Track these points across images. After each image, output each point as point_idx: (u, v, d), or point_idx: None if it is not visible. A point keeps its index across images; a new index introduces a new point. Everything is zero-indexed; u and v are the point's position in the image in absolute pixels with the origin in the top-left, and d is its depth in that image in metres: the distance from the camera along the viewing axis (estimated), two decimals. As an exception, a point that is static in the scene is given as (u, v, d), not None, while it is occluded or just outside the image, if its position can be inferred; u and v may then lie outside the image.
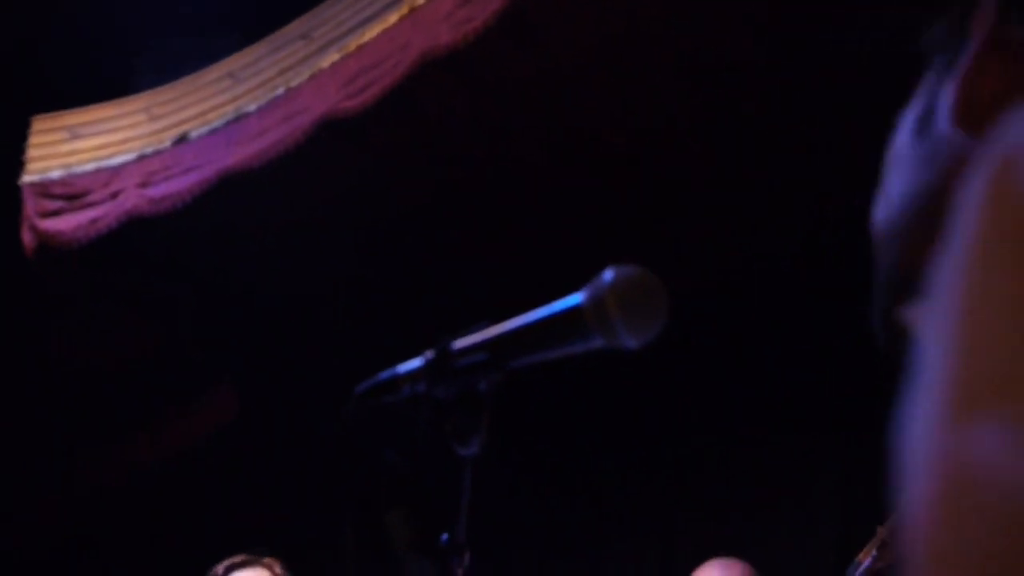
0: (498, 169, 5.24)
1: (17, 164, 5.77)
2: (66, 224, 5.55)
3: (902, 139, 1.01)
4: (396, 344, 1.74)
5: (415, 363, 1.38)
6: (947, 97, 0.94)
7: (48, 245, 5.55)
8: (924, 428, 0.59)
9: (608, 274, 1.29)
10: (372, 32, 5.01)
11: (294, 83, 5.21)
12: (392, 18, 4.95)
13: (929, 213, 0.94)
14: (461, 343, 1.36)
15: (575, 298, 1.30)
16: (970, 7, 0.97)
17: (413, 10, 4.88)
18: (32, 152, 5.82)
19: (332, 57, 5.12)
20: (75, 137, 5.85)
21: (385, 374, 1.40)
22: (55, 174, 5.71)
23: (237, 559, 3.82)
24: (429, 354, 1.37)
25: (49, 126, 5.92)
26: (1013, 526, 0.53)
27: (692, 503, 5.73)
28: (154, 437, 6.84)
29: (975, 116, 0.91)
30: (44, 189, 5.67)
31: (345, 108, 4.92)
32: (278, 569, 3.84)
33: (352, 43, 5.07)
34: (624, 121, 5.01)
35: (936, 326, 0.61)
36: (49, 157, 5.80)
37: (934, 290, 0.63)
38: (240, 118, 5.33)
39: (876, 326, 1.01)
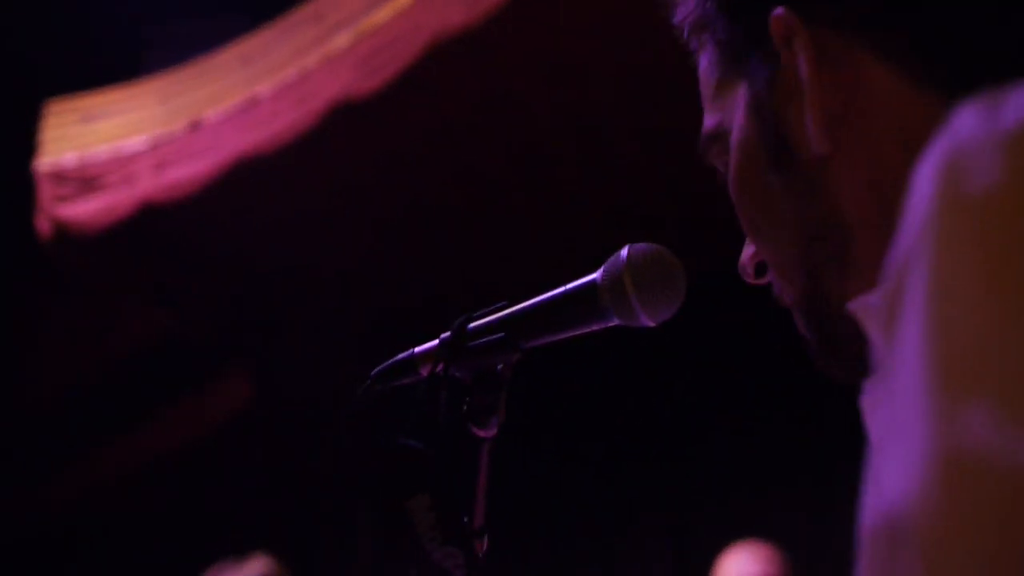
0: (515, 150, 5.23)
1: (30, 149, 5.78)
2: (81, 210, 5.55)
3: (750, 165, 1.04)
4: (411, 328, 1.73)
5: (432, 343, 1.38)
6: (796, 125, 0.98)
7: (63, 232, 5.56)
8: (908, 421, 0.59)
9: (624, 251, 1.28)
10: (385, 13, 4.99)
11: (307, 66, 5.20)
12: (404, -1, 4.94)
13: (835, 243, 0.98)
14: (477, 322, 1.35)
15: (591, 276, 1.30)
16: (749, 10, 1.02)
17: (425, -10, 4.87)
18: (45, 137, 5.82)
19: (345, 39, 5.11)
20: (88, 121, 5.85)
21: (401, 355, 1.40)
22: (69, 159, 5.71)
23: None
24: (445, 334, 1.36)
25: (62, 110, 5.92)
26: (1013, 509, 0.54)
27: (711, 484, 5.72)
28: (167, 424, 6.86)
29: (836, 134, 0.96)
30: (58, 174, 5.67)
31: (359, 90, 4.91)
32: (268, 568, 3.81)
33: (365, 24, 5.06)
34: (639, 104, 4.99)
35: (906, 325, 0.62)
36: (63, 140, 5.81)
37: (892, 279, 0.64)
38: (253, 101, 5.32)
39: (829, 363, 1.06)
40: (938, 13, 0.92)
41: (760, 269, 1.12)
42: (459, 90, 4.98)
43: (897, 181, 0.83)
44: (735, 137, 1.06)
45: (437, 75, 4.86)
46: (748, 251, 1.12)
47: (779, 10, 0.98)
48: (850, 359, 1.01)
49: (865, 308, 0.91)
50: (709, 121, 1.10)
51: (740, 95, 1.05)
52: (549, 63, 4.87)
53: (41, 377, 6.84)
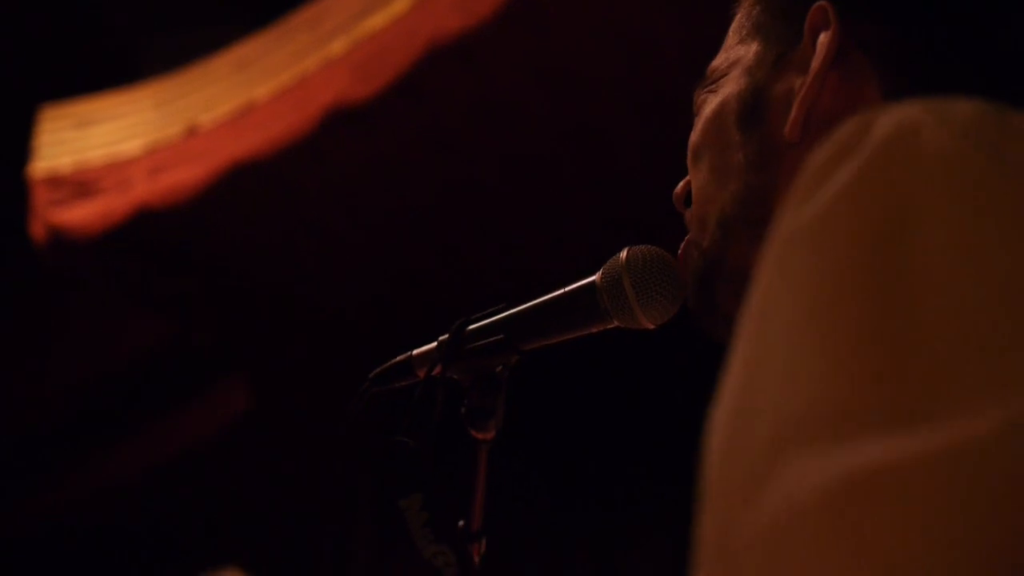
0: (510, 156, 5.23)
1: (24, 154, 5.77)
2: (76, 215, 5.55)
3: (722, 111, 1.09)
4: (409, 333, 1.73)
5: (429, 346, 1.37)
6: (779, 101, 1.03)
7: (58, 237, 5.55)
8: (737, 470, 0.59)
9: (623, 253, 1.28)
10: (380, 19, 4.99)
11: (303, 71, 5.20)
12: (400, 5, 4.94)
13: (759, 215, 1.02)
14: (475, 325, 1.35)
15: (591, 278, 1.29)
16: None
17: (421, -4, 4.87)
18: (40, 142, 5.82)
19: (341, 44, 5.11)
20: (83, 126, 5.84)
21: (399, 357, 1.39)
22: (64, 165, 5.71)
23: None
24: (443, 336, 1.35)
25: (57, 115, 5.92)
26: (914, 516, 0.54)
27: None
28: (165, 432, 6.85)
29: (809, 131, 0.99)
30: (54, 179, 5.67)
31: (354, 95, 4.91)
32: None
33: (360, 30, 5.06)
34: (636, 109, 4.99)
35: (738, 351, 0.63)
36: (57, 145, 5.80)
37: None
38: (249, 106, 5.32)
39: (696, 312, 1.12)
40: (954, 70, 0.95)
41: (690, 200, 1.16)
42: (455, 96, 4.98)
43: None
44: (725, 87, 1.11)
45: (433, 81, 4.86)
46: (684, 182, 1.18)
47: (822, 3, 1.02)
48: (719, 317, 1.07)
49: None
50: (714, 61, 1.15)
51: (751, 51, 1.10)
52: (545, 70, 4.87)
53: (40, 385, 6.83)
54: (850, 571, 0.53)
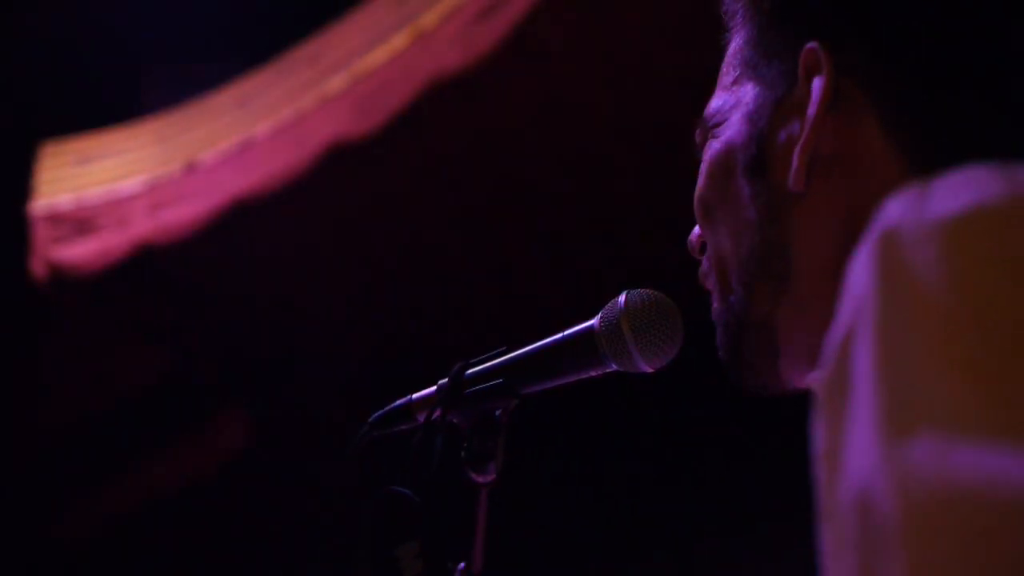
0: (509, 191, 5.24)
1: (25, 191, 5.78)
2: (76, 251, 5.55)
3: (728, 162, 1.08)
4: (409, 370, 1.73)
5: (429, 390, 1.37)
6: (782, 149, 1.02)
7: (58, 273, 5.56)
8: (859, 449, 0.63)
9: (622, 298, 1.28)
10: (380, 55, 5.01)
11: (303, 108, 5.21)
12: (399, 41, 4.96)
13: (778, 269, 1.02)
14: (475, 369, 1.35)
15: (589, 322, 1.29)
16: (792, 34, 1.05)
17: (420, 33, 4.89)
18: (40, 179, 5.83)
19: (340, 81, 5.13)
20: (83, 163, 5.86)
21: (399, 401, 1.39)
22: (64, 201, 5.72)
23: None
24: (443, 381, 1.36)
25: (58, 152, 5.93)
26: (972, 533, 0.57)
27: (712, 525, 5.70)
28: (164, 464, 6.84)
29: (813, 178, 0.99)
30: (53, 216, 5.67)
31: (354, 132, 4.93)
32: None
33: (360, 67, 5.08)
34: (634, 141, 5.00)
35: (857, 389, 0.66)
36: (58, 182, 5.82)
37: (835, 356, 0.69)
38: (249, 143, 5.33)
39: (726, 363, 1.10)
40: (950, 99, 0.95)
41: (704, 247, 1.15)
42: (453, 132, 4.99)
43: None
44: (726, 132, 1.09)
45: (432, 117, 4.88)
46: (697, 230, 1.17)
47: (813, 44, 1.01)
48: (747, 368, 1.07)
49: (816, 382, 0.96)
50: (712, 102, 1.14)
51: (747, 94, 1.08)
52: (543, 103, 4.88)
53: (38, 419, 6.82)
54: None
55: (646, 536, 5.82)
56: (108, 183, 5.73)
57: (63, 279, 5.59)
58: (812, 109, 0.99)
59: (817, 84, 1.00)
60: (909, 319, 0.64)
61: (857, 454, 0.63)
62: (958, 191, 0.67)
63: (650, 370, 1.27)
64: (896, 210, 0.69)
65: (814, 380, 0.99)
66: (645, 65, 4.66)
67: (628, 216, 5.31)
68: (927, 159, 0.93)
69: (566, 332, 1.31)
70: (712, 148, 1.11)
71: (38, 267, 5.62)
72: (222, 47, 6.07)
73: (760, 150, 1.04)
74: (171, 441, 6.82)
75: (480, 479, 1.30)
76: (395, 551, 1.26)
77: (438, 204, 5.29)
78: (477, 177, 5.19)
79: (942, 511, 0.58)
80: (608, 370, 1.30)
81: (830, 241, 0.97)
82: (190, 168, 5.51)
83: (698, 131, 1.15)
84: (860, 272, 0.68)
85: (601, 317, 1.28)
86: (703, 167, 1.11)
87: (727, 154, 1.08)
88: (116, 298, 5.84)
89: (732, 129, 1.09)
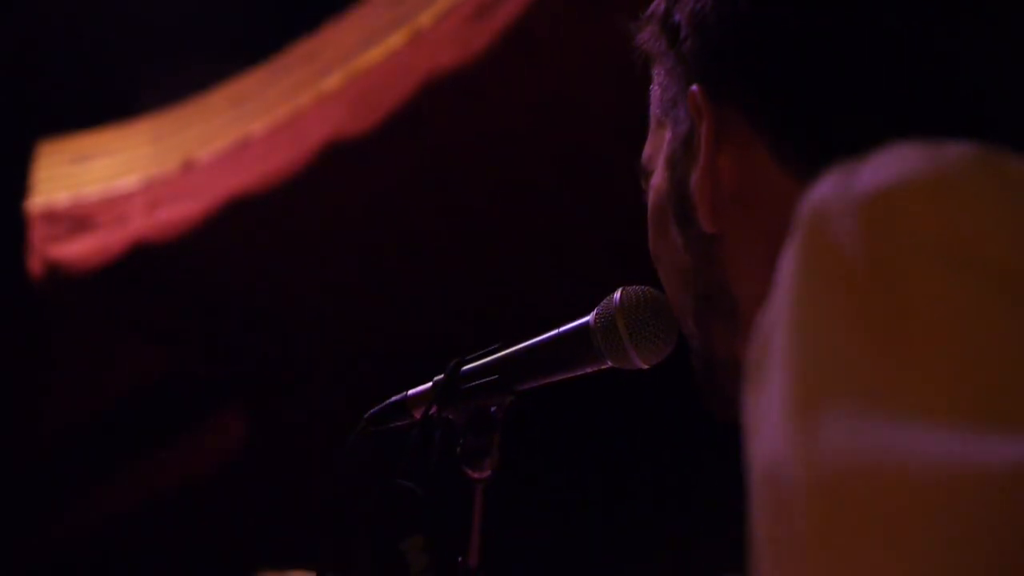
0: (508, 190, 5.24)
1: (22, 189, 5.79)
2: (73, 250, 5.55)
3: (661, 211, 1.10)
4: (408, 367, 1.74)
5: (425, 386, 1.38)
6: (694, 190, 1.03)
7: (55, 272, 5.56)
8: (771, 427, 0.63)
9: (617, 294, 1.29)
10: (376, 53, 5.02)
11: (300, 106, 5.21)
12: (396, 40, 4.96)
13: (727, 306, 1.03)
14: (470, 365, 1.35)
15: (585, 319, 1.30)
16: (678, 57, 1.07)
17: (417, 32, 4.89)
18: (37, 177, 5.83)
19: (337, 79, 5.13)
20: (80, 161, 5.86)
21: (395, 398, 1.40)
22: (61, 199, 5.72)
23: None
24: (439, 377, 1.36)
25: (54, 150, 5.94)
26: (874, 512, 0.57)
27: (711, 525, 5.70)
28: (162, 463, 6.84)
29: (724, 217, 1.00)
30: (50, 214, 5.68)
31: (351, 130, 4.93)
32: None
33: (356, 65, 5.08)
34: (633, 140, 5.00)
35: (770, 359, 0.66)
36: (55, 180, 5.82)
37: (760, 339, 0.69)
38: (246, 141, 5.34)
39: (703, 394, 1.12)
40: (826, 119, 0.95)
41: None
42: (451, 130, 4.99)
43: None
44: (654, 180, 1.11)
45: (429, 115, 4.88)
46: None
47: (694, 87, 1.01)
48: (724, 399, 1.07)
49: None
50: (645, 148, 1.16)
51: (664, 139, 1.10)
52: (541, 100, 4.88)
53: (38, 417, 6.82)
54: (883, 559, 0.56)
55: (644, 533, 5.83)
56: (105, 181, 5.73)
57: (60, 277, 5.59)
58: (702, 152, 1.00)
59: (701, 127, 1.01)
60: (824, 292, 0.64)
61: (768, 428, 0.63)
62: (882, 167, 0.68)
63: (645, 367, 1.28)
64: (822, 188, 0.69)
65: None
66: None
67: (627, 215, 5.30)
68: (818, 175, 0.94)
69: (561, 328, 1.32)
70: (649, 197, 1.13)
71: (35, 265, 5.62)
72: (219, 46, 6.06)
73: (681, 197, 1.05)
74: (169, 440, 6.83)
75: (476, 475, 1.31)
76: (401, 545, 1.27)
77: (435, 202, 5.29)
78: (474, 176, 5.19)
79: (846, 485, 0.58)
80: (603, 367, 1.30)
81: (760, 276, 0.96)
82: (187, 166, 5.51)
83: (641, 178, 1.16)
84: (786, 255, 0.68)
85: (597, 314, 1.29)
86: (648, 218, 1.14)
87: (658, 203, 1.10)
88: (113, 296, 5.84)
89: (658, 176, 1.10)
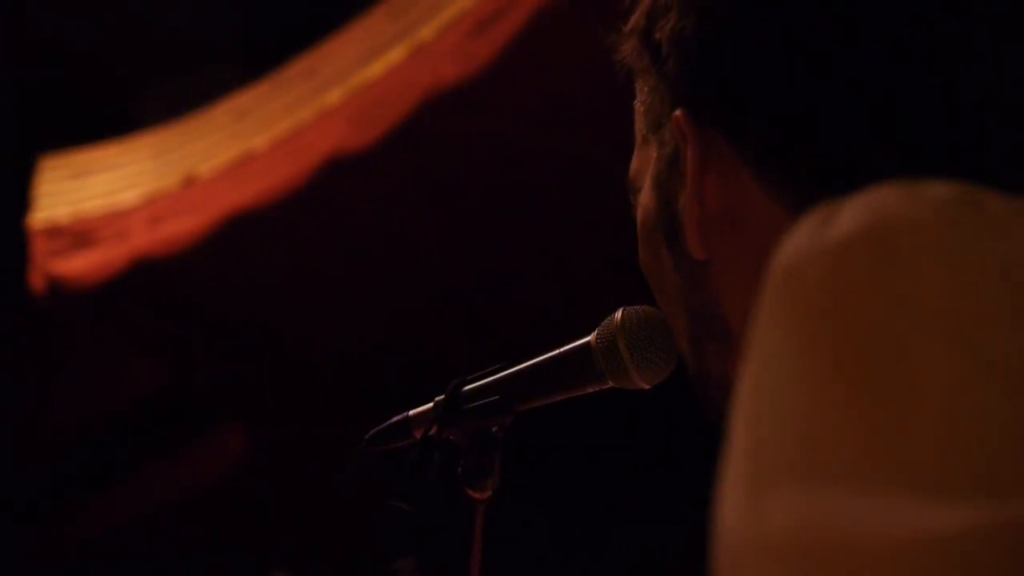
0: (510, 204, 5.24)
1: (24, 204, 5.79)
2: (74, 265, 5.56)
3: (650, 230, 1.08)
4: (410, 382, 1.73)
5: (426, 406, 1.38)
6: (683, 215, 1.01)
7: (57, 287, 5.56)
8: (729, 504, 0.62)
9: (619, 313, 1.28)
10: (378, 68, 5.02)
11: (301, 121, 5.22)
12: (397, 54, 4.96)
13: (717, 329, 1.02)
14: (471, 385, 1.35)
15: (585, 339, 1.30)
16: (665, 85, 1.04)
17: (418, 46, 4.89)
18: (39, 192, 5.83)
19: (338, 94, 5.13)
20: (82, 176, 5.86)
21: (395, 418, 1.40)
22: (63, 215, 5.72)
23: None
24: (439, 397, 1.36)
25: (56, 165, 5.94)
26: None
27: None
28: (160, 478, 6.84)
29: (711, 242, 0.99)
30: (52, 230, 5.68)
31: (352, 145, 4.93)
32: None
33: (357, 79, 5.08)
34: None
35: (736, 414, 0.65)
36: (56, 196, 5.82)
37: (733, 397, 0.67)
38: (247, 156, 5.34)
39: (704, 411, 1.09)
40: (810, 142, 0.93)
41: None
42: (453, 145, 5.00)
43: None
44: (642, 197, 1.10)
45: (431, 129, 4.88)
46: None
47: (677, 112, 1.00)
48: (724, 412, 1.06)
49: None
50: (632, 163, 1.14)
51: (651, 157, 1.08)
52: (545, 116, 4.89)
53: (38, 430, 6.83)
54: None
55: (645, 555, 5.82)
56: (106, 196, 5.73)
57: (61, 292, 5.59)
58: (689, 178, 0.99)
59: (687, 152, 1.00)
60: (784, 354, 0.62)
61: (726, 508, 0.62)
62: (857, 212, 0.66)
63: (646, 387, 1.28)
64: (796, 239, 0.67)
65: None
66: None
67: (629, 226, 5.30)
68: (804, 205, 0.93)
69: (562, 349, 1.32)
70: (638, 214, 1.11)
71: (36, 280, 5.62)
72: (220, 61, 6.07)
73: (670, 218, 1.04)
74: (169, 454, 6.82)
75: (477, 495, 1.31)
76: (395, 565, 1.27)
77: (437, 216, 5.29)
78: (476, 190, 5.20)
79: (792, 559, 0.56)
80: (604, 387, 1.30)
81: (744, 301, 0.96)
82: (188, 182, 5.51)
83: (630, 194, 1.15)
84: (757, 305, 0.67)
85: (597, 334, 1.29)
86: (638, 235, 1.12)
87: (646, 221, 1.09)
88: (115, 311, 5.84)
89: (646, 195, 1.08)
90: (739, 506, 0.60)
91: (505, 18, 4.63)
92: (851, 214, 0.66)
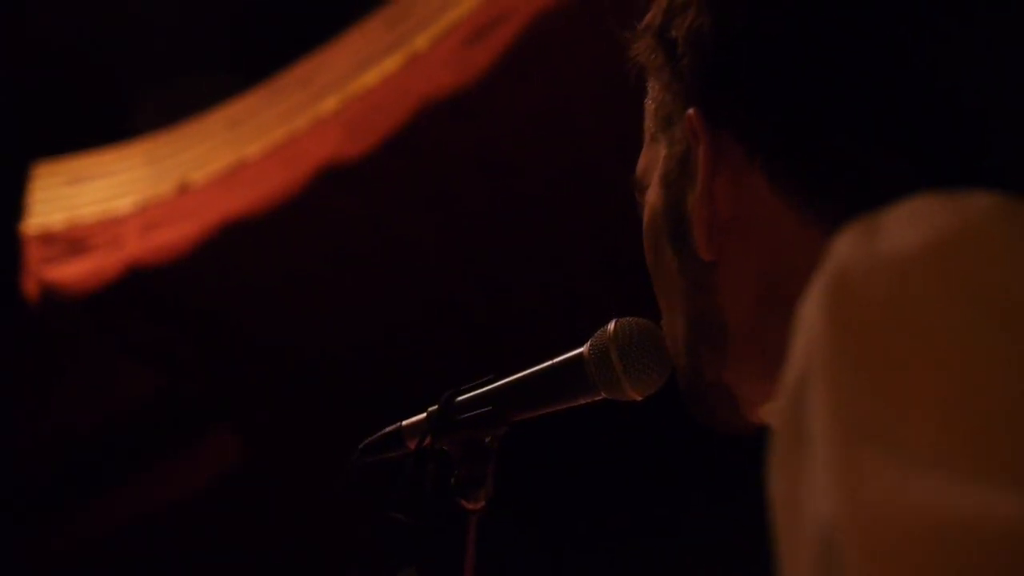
0: (504, 213, 5.24)
1: (18, 211, 5.79)
2: (68, 272, 5.55)
3: (655, 228, 1.09)
4: (405, 390, 1.74)
5: (419, 416, 1.38)
6: (692, 216, 1.01)
7: (50, 294, 5.55)
8: (822, 499, 0.62)
9: (611, 325, 1.28)
10: (372, 76, 5.02)
11: (295, 129, 5.22)
12: (392, 63, 4.97)
13: (717, 336, 1.02)
14: (464, 396, 1.35)
15: (578, 350, 1.30)
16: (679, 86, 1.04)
17: (413, 55, 4.90)
18: (33, 199, 5.83)
19: (332, 102, 5.13)
20: (76, 183, 5.86)
21: (389, 428, 1.40)
22: (57, 221, 5.72)
23: None
24: (433, 408, 1.36)
25: (50, 172, 5.94)
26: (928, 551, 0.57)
27: (709, 553, 5.68)
28: (156, 482, 6.84)
29: (717, 243, 0.99)
30: (46, 236, 5.68)
31: (346, 153, 4.93)
32: None
33: (352, 88, 5.09)
34: (630, 161, 5.01)
35: (814, 437, 0.65)
36: (50, 202, 5.82)
37: (789, 400, 0.67)
38: (241, 164, 5.34)
39: (693, 414, 1.10)
40: (823, 145, 0.93)
41: None
42: (447, 153, 5.00)
43: (777, 301, 0.90)
44: (648, 196, 1.10)
45: (425, 138, 4.89)
46: None
47: (691, 110, 1.00)
48: (715, 417, 1.08)
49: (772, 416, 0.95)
50: (640, 160, 1.14)
51: (660, 155, 1.08)
52: (540, 125, 4.89)
53: (32, 436, 6.82)
54: None
55: (638, 565, 5.82)
56: (101, 203, 5.73)
57: (56, 299, 5.59)
58: (700, 178, 0.99)
59: (698, 152, 1.00)
60: (861, 359, 0.63)
61: (816, 498, 0.62)
62: (907, 225, 0.67)
63: (639, 398, 1.28)
64: (845, 247, 0.68)
65: (768, 414, 1.00)
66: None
67: (625, 236, 5.30)
68: (816, 208, 0.93)
69: (555, 360, 1.31)
70: (644, 212, 1.11)
71: (31, 287, 5.61)
72: (214, 68, 6.07)
73: (677, 217, 1.04)
74: (162, 460, 6.82)
75: (470, 506, 1.31)
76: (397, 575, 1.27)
77: (432, 224, 5.29)
78: (471, 197, 5.20)
79: (900, 544, 0.57)
80: (596, 398, 1.30)
81: (749, 305, 0.98)
82: (182, 189, 5.52)
83: (635, 191, 1.15)
84: (811, 312, 0.67)
85: (590, 345, 1.28)
86: (643, 233, 1.12)
87: (653, 220, 1.09)
88: (108, 318, 5.84)
89: (653, 193, 1.09)
90: (833, 492, 0.61)
91: (500, 28, 4.64)
92: (901, 228, 0.67)
